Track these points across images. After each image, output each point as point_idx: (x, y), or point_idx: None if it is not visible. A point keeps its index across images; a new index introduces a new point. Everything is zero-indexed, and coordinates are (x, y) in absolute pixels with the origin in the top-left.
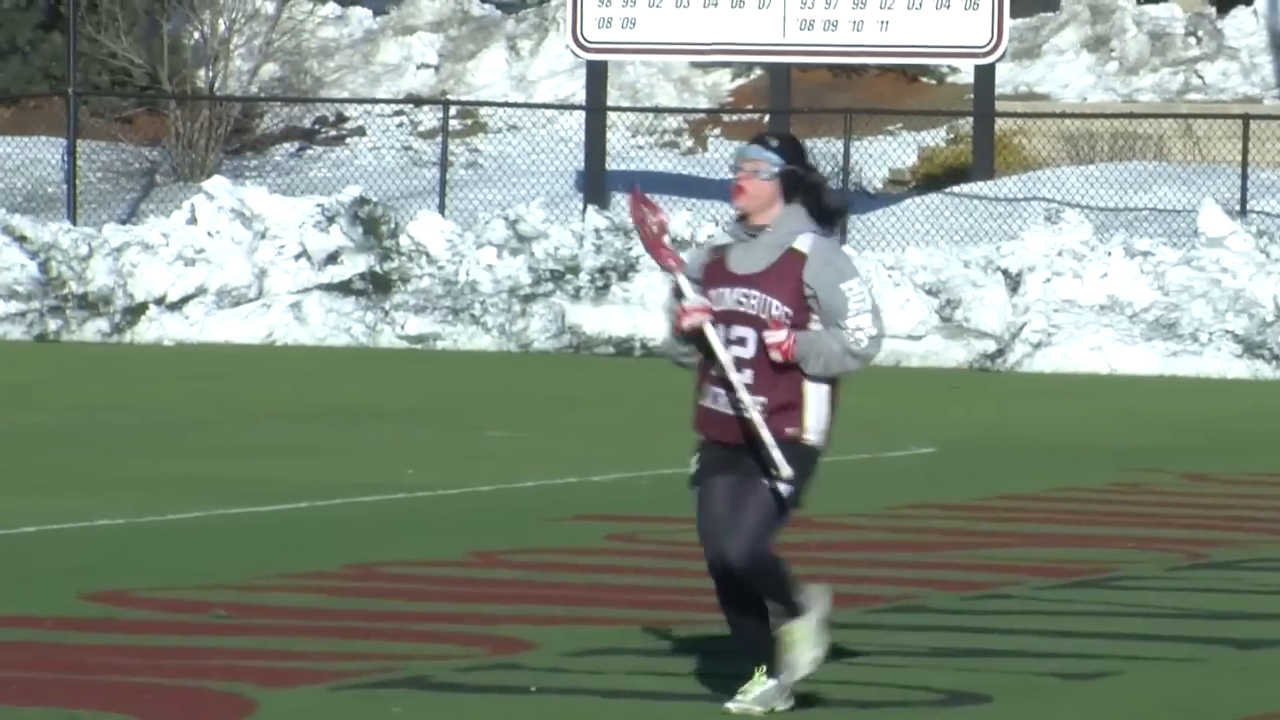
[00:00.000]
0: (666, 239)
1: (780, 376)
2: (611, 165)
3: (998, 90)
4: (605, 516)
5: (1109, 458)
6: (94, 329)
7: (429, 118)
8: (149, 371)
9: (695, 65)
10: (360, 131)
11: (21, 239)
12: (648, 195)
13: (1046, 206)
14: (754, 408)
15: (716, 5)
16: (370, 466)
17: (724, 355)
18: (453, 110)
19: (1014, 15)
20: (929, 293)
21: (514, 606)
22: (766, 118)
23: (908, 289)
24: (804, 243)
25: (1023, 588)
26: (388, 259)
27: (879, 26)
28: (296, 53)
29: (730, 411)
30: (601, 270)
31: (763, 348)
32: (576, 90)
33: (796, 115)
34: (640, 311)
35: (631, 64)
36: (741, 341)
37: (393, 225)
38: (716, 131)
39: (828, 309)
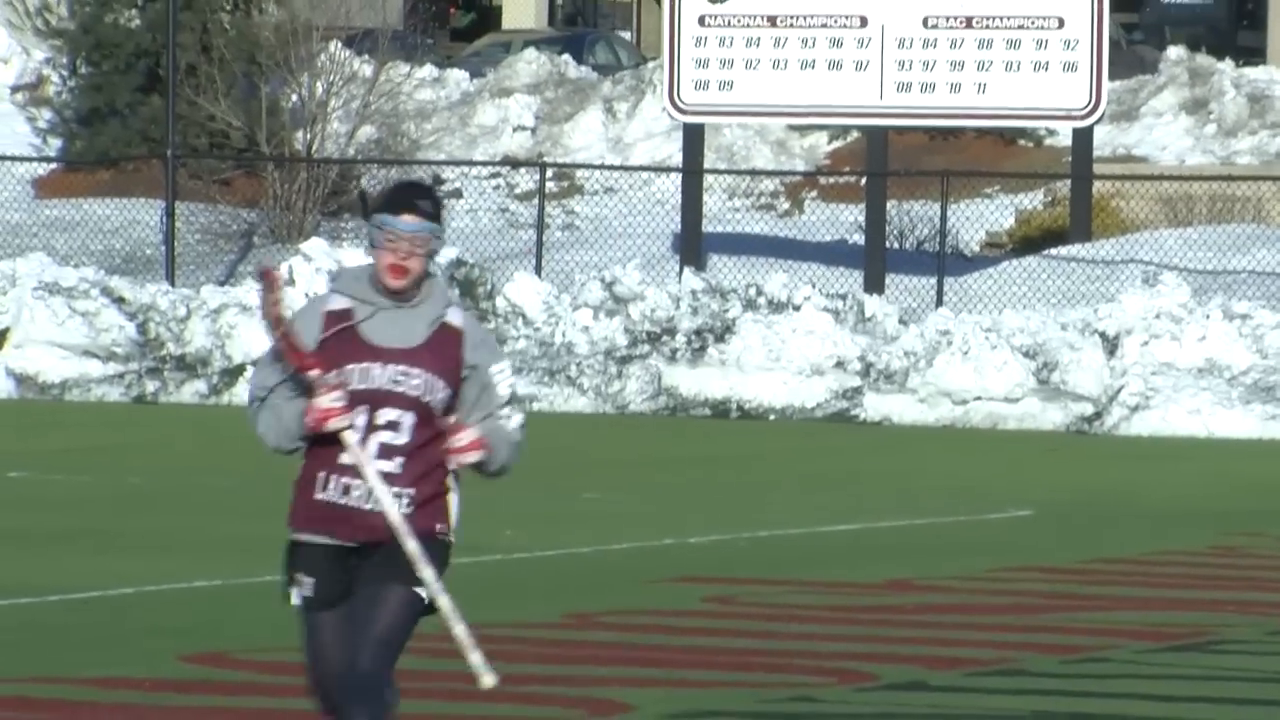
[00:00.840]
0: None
1: (432, 468)
2: (708, 227)
3: (1095, 153)
4: (702, 579)
5: (1208, 521)
6: (191, 390)
7: (525, 180)
8: (246, 433)
9: (792, 128)
10: (457, 194)
11: (120, 300)
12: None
13: (1144, 269)
14: (395, 503)
15: (814, 67)
16: (468, 527)
17: (361, 455)
18: (549, 172)
19: (1112, 78)
20: (1026, 355)
21: (611, 669)
22: (864, 180)
23: (1005, 351)
24: (456, 316)
25: (1122, 651)
26: (484, 320)
27: (976, 89)
28: (393, 115)
29: (366, 506)
30: (698, 332)
31: (421, 436)
32: (673, 152)
33: (893, 178)
34: (736, 373)
35: (728, 126)
36: (393, 427)
37: (489, 287)
38: (813, 194)
39: (485, 393)
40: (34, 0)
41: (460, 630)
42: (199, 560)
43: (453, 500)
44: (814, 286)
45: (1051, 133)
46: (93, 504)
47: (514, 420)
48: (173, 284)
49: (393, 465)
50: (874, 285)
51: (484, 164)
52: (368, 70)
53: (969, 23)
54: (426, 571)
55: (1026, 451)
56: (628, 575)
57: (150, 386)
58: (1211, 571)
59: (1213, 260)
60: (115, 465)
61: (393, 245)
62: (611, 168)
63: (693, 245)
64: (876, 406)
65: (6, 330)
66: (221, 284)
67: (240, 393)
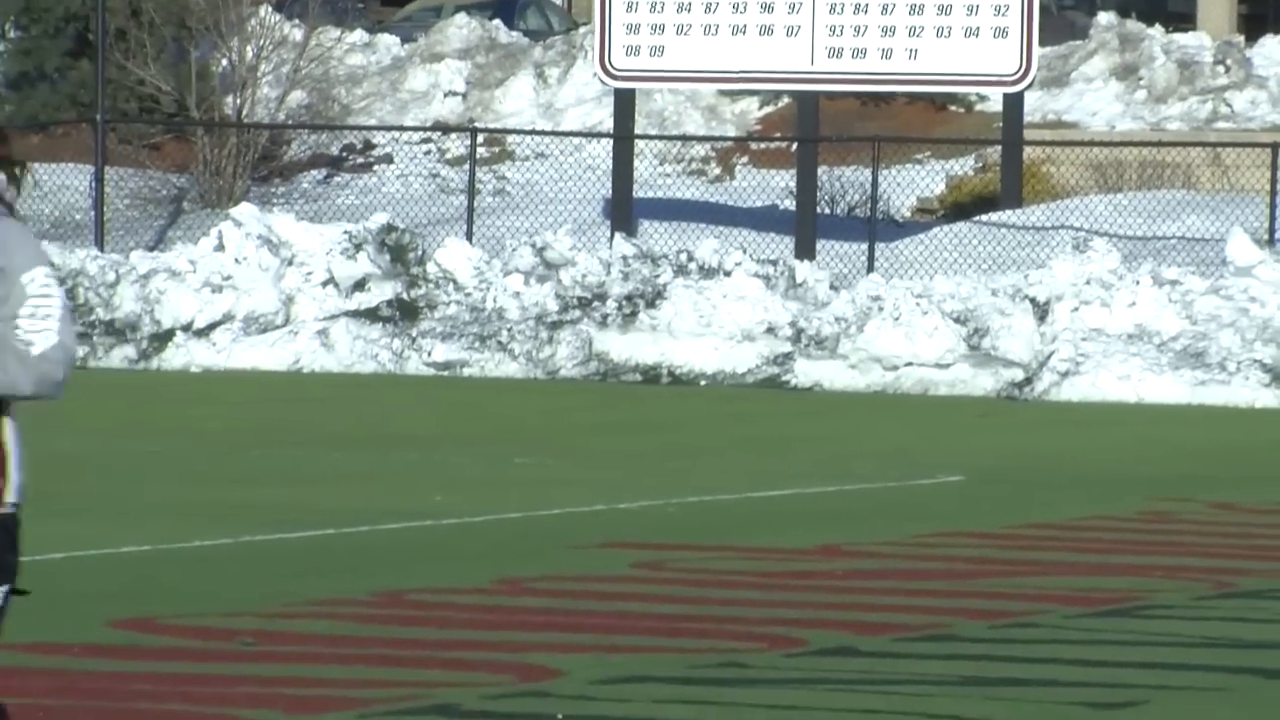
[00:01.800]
0: None
1: None
2: (639, 193)
3: (1026, 118)
4: (632, 544)
5: (1136, 487)
6: (121, 356)
7: (456, 145)
8: (176, 398)
9: (723, 93)
10: (388, 159)
11: (49, 266)
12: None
13: (1074, 235)
14: None
15: (744, 33)
16: (397, 493)
17: None
18: (480, 138)
19: (1043, 44)
20: (956, 321)
21: (541, 634)
22: (795, 146)
23: (935, 317)
24: None
25: (1051, 616)
26: (415, 286)
27: (907, 54)
28: (324, 80)
29: None
30: (629, 298)
31: None
32: (604, 118)
33: (824, 144)
34: (668, 339)
35: (659, 92)
36: None
37: (420, 252)
38: (744, 159)
39: (8, 302)
40: None
41: None
42: (128, 525)
43: (11, 456)
44: (745, 252)
45: (982, 98)
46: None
47: (38, 335)
48: (102, 249)
49: None
50: (805, 251)
51: (415, 129)
52: (298, 35)
53: None
54: None
55: (957, 417)
56: (557, 540)
57: (79, 351)
58: (1140, 537)
59: (1143, 226)
60: (43, 429)
61: None
62: (542, 133)
63: (624, 211)
64: (807, 372)
65: None
66: (151, 249)
67: (169, 357)
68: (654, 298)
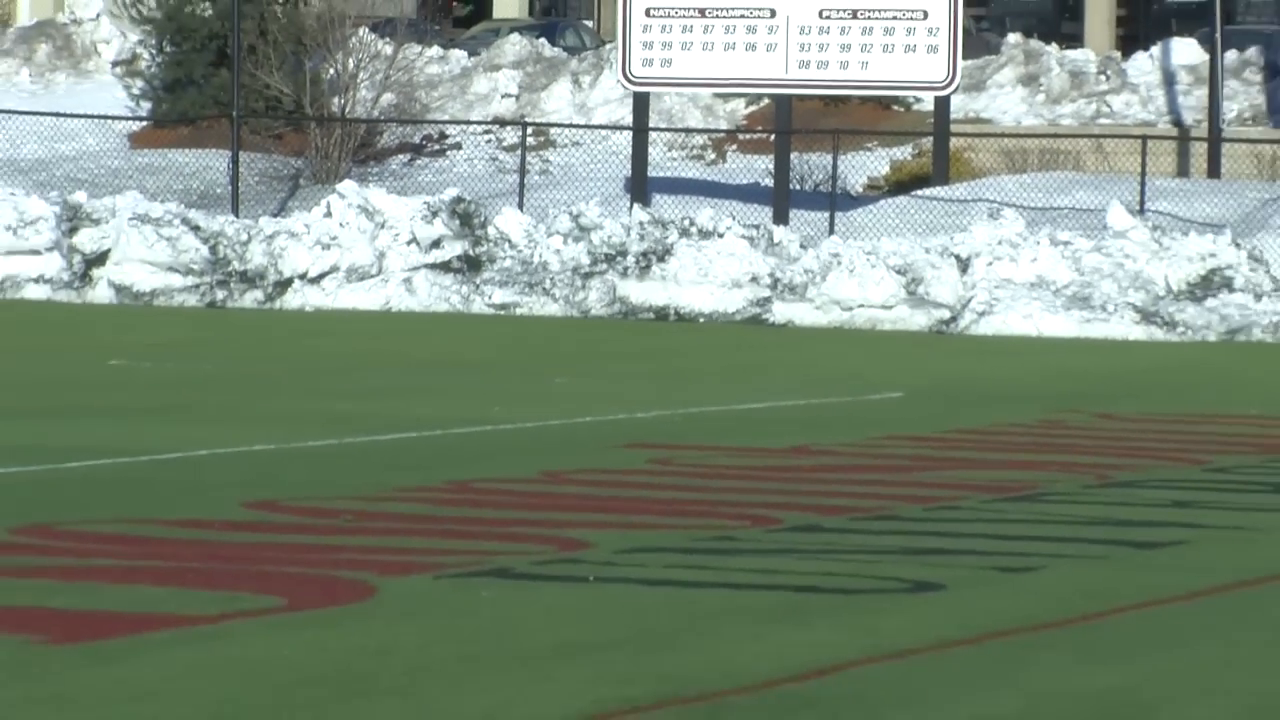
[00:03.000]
0: None
1: None
2: (652, 173)
3: (952, 115)
4: (648, 445)
5: (1037, 401)
6: (251, 298)
7: (511, 135)
8: (294, 331)
9: (717, 95)
10: (458, 146)
11: (196, 228)
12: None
13: (989, 206)
14: None
15: (734, 49)
16: (465, 405)
17: None
18: (529, 130)
19: (965, 58)
20: (898, 272)
21: (576, 514)
22: (773, 137)
23: (881, 269)
24: None
25: (971, 501)
26: (478, 245)
27: (860, 65)
28: (408, 85)
29: None
30: (644, 254)
31: None
32: (625, 115)
33: (796, 135)
34: (674, 286)
35: (668, 94)
36: None
37: (482, 219)
38: (734, 147)
39: None
40: None
41: None
42: (257, 429)
43: None
44: (734, 219)
45: (918, 100)
46: (175, 385)
47: None
48: (237, 215)
49: None
50: (780, 218)
51: (478, 123)
52: (388, 50)
53: (855, 14)
54: None
55: (898, 347)
56: (590, 442)
57: (219, 295)
58: (1040, 440)
59: (1042, 199)
60: (192, 355)
61: None
62: (577, 126)
63: (640, 187)
64: (783, 312)
65: (108, 251)
66: (275, 216)
67: (289, 300)
68: (664, 254)
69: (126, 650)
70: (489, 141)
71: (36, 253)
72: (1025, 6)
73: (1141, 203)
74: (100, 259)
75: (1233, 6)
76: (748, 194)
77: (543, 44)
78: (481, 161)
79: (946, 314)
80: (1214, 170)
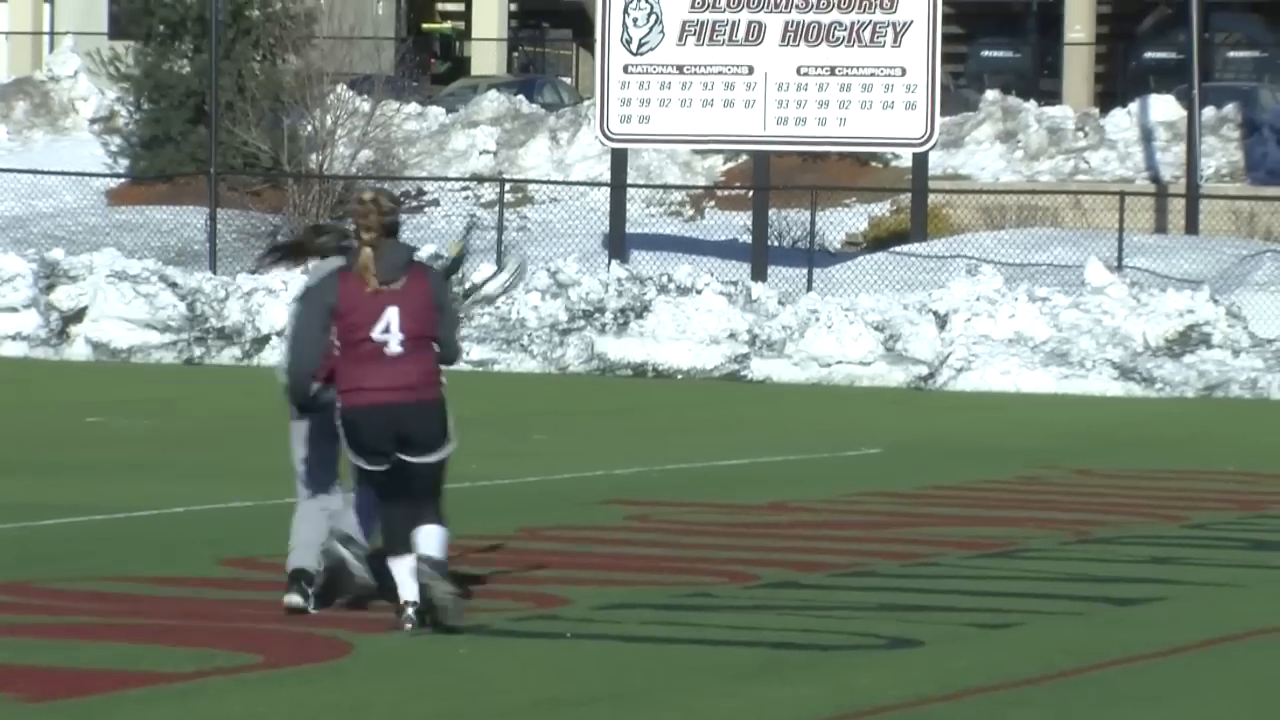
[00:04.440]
0: None
1: None
2: (630, 229)
3: (930, 172)
4: (626, 501)
5: (1015, 457)
6: (229, 355)
7: (489, 192)
8: (272, 388)
9: (695, 152)
10: (435, 203)
11: (174, 285)
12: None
13: (967, 262)
14: None
15: (712, 105)
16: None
17: None
18: (507, 186)
19: (943, 114)
20: (876, 329)
21: (554, 571)
22: (751, 193)
23: (860, 325)
24: None
25: (949, 558)
26: (454, 301)
27: (838, 122)
28: (386, 141)
29: None
30: (622, 310)
31: None
32: (603, 171)
33: (774, 191)
34: (652, 342)
35: (646, 151)
36: None
37: (460, 275)
38: (712, 203)
39: None
40: (107, 52)
41: None
42: (234, 485)
43: None
44: (712, 275)
45: (896, 156)
46: (152, 442)
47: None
48: (215, 272)
49: None
50: (759, 274)
51: (456, 179)
52: (366, 107)
53: (832, 71)
54: None
55: (876, 403)
56: (567, 498)
57: (197, 351)
58: (1018, 496)
59: (1020, 255)
60: (170, 412)
61: None
62: (555, 183)
63: (618, 243)
64: (761, 368)
65: (86, 308)
66: (252, 273)
67: (266, 356)
68: (642, 310)
69: (104, 708)
70: (467, 198)
71: (14, 310)
72: (1003, 63)
73: (1120, 259)
74: (78, 316)
75: (1210, 63)
76: (726, 250)
77: (521, 100)
78: (459, 218)
79: (925, 370)
80: (1192, 226)
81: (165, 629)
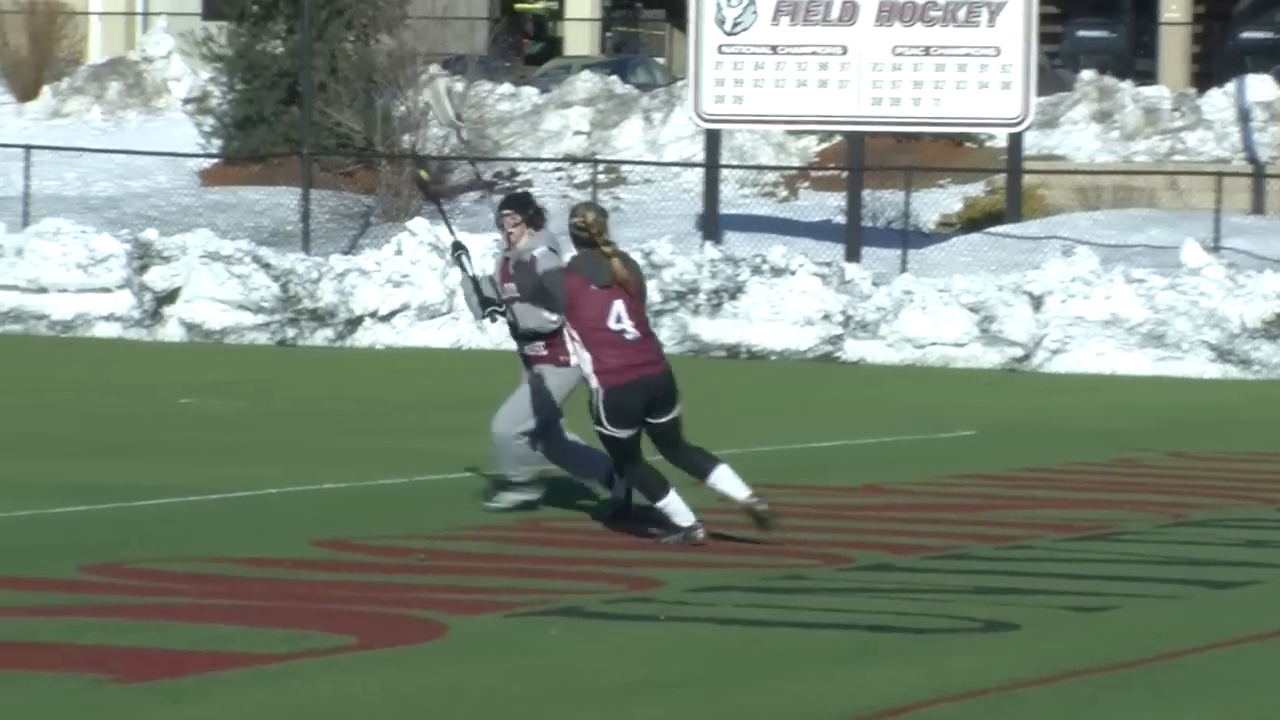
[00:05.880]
0: None
1: None
2: (724, 210)
3: (1025, 152)
4: None
5: (1111, 440)
6: (322, 336)
7: (582, 173)
8: (364, 369)
9: (789, 132)
10: (528, 184)
11: (267, 266)
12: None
13: (1062, 244)
14: None
15: (806, 85)
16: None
17: None
18: (600, 167)
19: (1038, 94)
20: (971, 310)
21: (648, 553)
22: (845, 174)
23: (954, 307)
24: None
25: (1044, 540)
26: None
27: (933, 102)
28: (480, 122)
29: None
30: (716, 291)
31: None
32: (697, 151)
33: (868, 172)
34: (746, 324)
35: (740, 131)
36: None
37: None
38: (806, 184)
39: None
40: (200, 32)
41: None
42: (328, 466)
43: None
44: (806, 256)
45: (991, 137)
46: (245, 424)
47: None
48: (307, 253)
49: None
50: (853, 255)
51: (549, 160)
52: (460, 87)
53: (927, 51)
54: None
55: (970, 385)
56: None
57: (290, 333)
58: (1113, 479)
59: (1116, 236)
60: (262, 394)
61: None
62: (649, 163)
63: (712, 224)
64: (854, 350)
65: (179, 289)
66: (345, 253)
67: (359, 338)
68: (735, 291)
69: (197, 689)
70: (560, 179)
71: (107, 290)
72: (1099, 43)
73: (1216, 240)
74: (171, 297)
75: None
76: (820, 231)
77: (614, 81)
78: (552, 199)
79: (1019, 352)
80: None
81: (258, 610)
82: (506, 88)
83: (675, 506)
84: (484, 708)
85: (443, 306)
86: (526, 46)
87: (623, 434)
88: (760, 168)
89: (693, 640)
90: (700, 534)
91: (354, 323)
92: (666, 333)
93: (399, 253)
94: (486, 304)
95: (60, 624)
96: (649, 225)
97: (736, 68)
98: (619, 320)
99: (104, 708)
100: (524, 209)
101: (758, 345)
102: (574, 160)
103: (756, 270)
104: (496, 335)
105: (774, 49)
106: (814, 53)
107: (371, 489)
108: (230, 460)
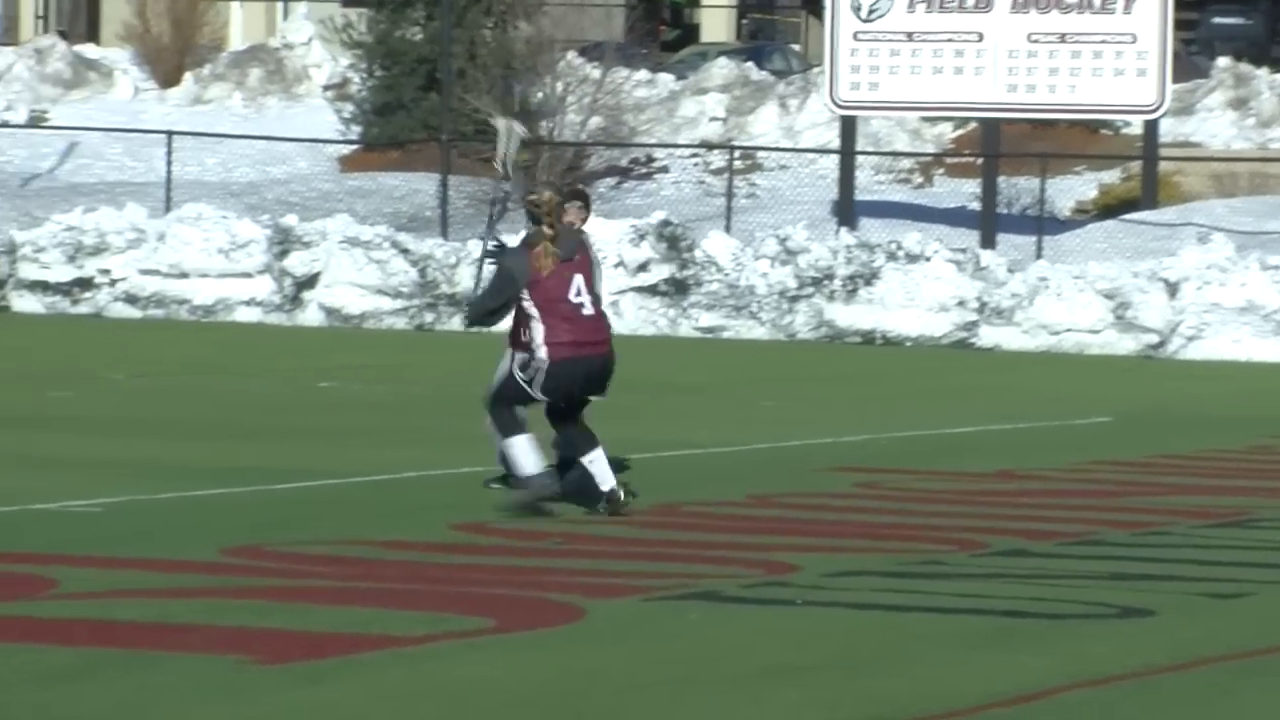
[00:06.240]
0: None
1: None
2: (859, 196)
3: (1160, 139)
4: (854, 469)
5: (1246, 426)
6: (460, 321)
7: (718, 159)
8: (501, 353)
9: (924, 119)
10: (665, 169)
11: (405, 251)
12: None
13: (1198, 230)
14: None
15: (941, 72)
16: (672, 428)
17: None
18: (736, 153)
19: (1174, 81)
20: (1106, 297)
21: (783, 538)
22: (980, 160)
23: (1089, 294)
24: None
25: (1179, 527)
26: (685, 268)
27: (1069, 89)
28: (616, 108)
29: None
30: (851, 277)
31: None
32: (832, 138)
33: (1004, 158)
34: (881, 310)
35: (875, 118)
36: None
37: (689, 242)
38: (941, 171)
39: None
40: (340, 20)
41: None
42: (464, 451)
43: None
44: (941, 242)
45: (1126, 124)
46: (384, 408)
47: None
48: (445, 238)
49: None
50: (988, 242)
51: (685, 146)
52: (596, 74)
53: (1063, 38)
54: None
55: (1106, 372)
56: (796, 465)
57: (428, 318)
58: (1249, 465)
59: (1252, 224)
60: (401, 378)
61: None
62: (784, 150)
63: (847, 210)
64: (989, 336)
65: (319, 274)
66: (483, 238)
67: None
68: (870, 277)
69: (337, 671)
70: (696, 165)
71: (248, 275)
72: (1235, 30)
73: None
74: (310, 282)
75: None
76: (955, 217)
77: (750, 67)
78: (689, 185)
79: (1155, 339)
80: None
81: (397, 593)
82: (643, 74)
83: (520, 450)
84: (621, 691)
85: None
86: (663, 33)
87: (541, 400)
88: (895, 154)
89: (829, 625)
90: (552, 487)
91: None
92: (801, 319)
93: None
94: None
95: (201, 605)
96: (784, 211)
97: (872, 54)
98: (579, 294)
99: (245, 689)
100: (587, 201)
101: (892, 331)
102: (710, 146)
103: (891, 256)
104: (632, 320)
105: (910, 36)
106: (950, 39)
107: None
108: (369, 444)
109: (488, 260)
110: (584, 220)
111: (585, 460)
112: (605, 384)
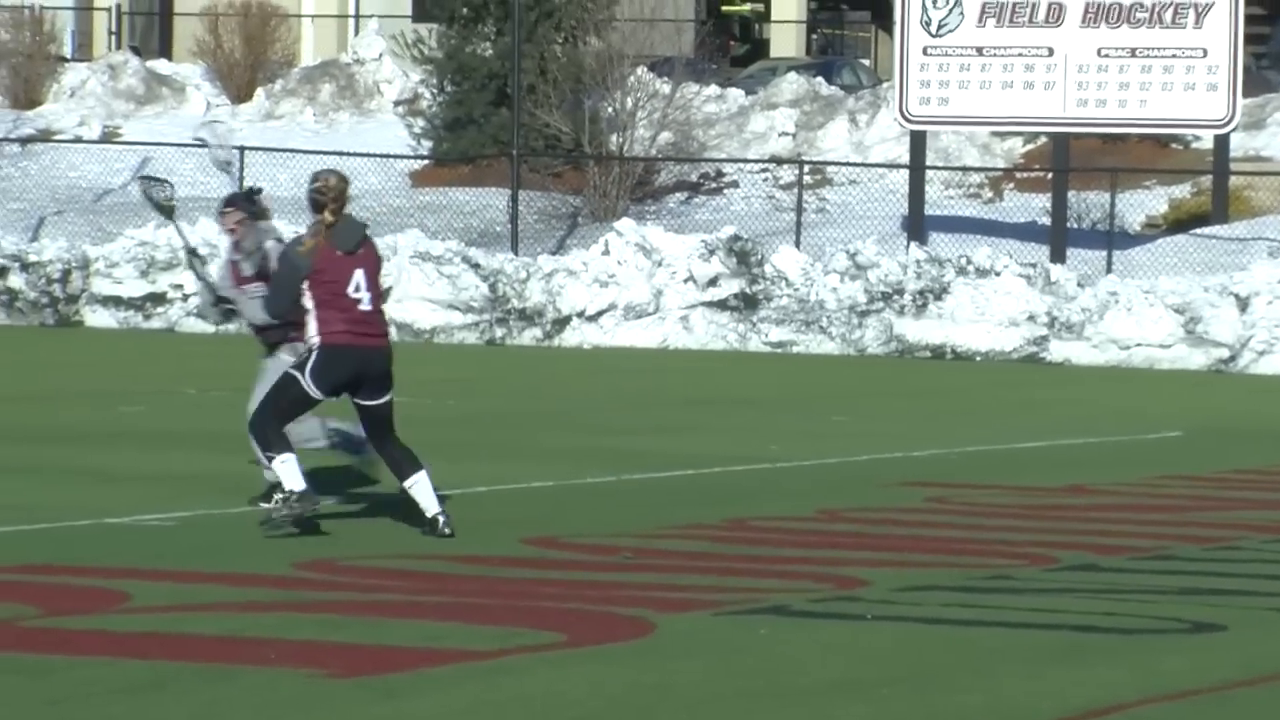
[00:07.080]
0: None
1: None
2: (929, 211)
3: (1231, 154)
4: (925, 483)
5: None
6: (530, 336)
7: (787, 174)
8: (572, 368)
9: (994, 134)
10: (735, 184)
11: (476, 266)
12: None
13: (1269, 245)
14: None
15: (1011, 87)
16: (742, 442)
17: None
18: (806, 168)
19: (1245, 96)
20: (1176, 311)
21: (853, 552)
22: (1050, 175)
23: (1160, 308)
24: None
25: (1251, 542)
26: (755, 283)
27: (1139, 104)
28: (686, 123)
29: None
30: (921, 292)
31: None
32: (902, 153)
33: (1073, 172)
34: (951, 324)
35: (945, 133)
36: None
37: (759, 256)
38: (1010, 185)
39: None
40: (411, 35)
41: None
42: (536, 465)
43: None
44: (1011, 257)
45: (1197, 138)
46: (454, 422)
47: None
48: (516, 253)
49: None
50: (1058, 256)
51: (755, 161)
52: (666, 89)
53: (1133, 53)
54: None
55: (1176, 386)
56: (866, 480)
57: (499, 332)
58: None
59: None
60: (471, 392)
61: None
62: (854, 164)
63: (917, 225)
64: (1059, 351)
65: (389, 289)
66: (553, 253)
67: (567, 337)
68: (940, 292)
69: (410, 685)
70: (766, 179)
71: None
72: None
73: None
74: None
75: None
76: (1024, 232)
77: (820, 82)
78: (758, 199)
79: (1225, 353)
80: None
81: (469, 607)
82: (713, 89)
83: (289, 470)
84: (691, 705)
85: (649, 306)
86: (733, 48)
87: (315, 394)
88: (965, 169)
89: (899, 640)
90: (311, 504)
91: (561, 322)
92: (871, 333)
93: (606, 253)
94: (219, 302)
95: (273, 619)
96: (854, 226)
97: (942, 69)
98: (358, 289)
99: (318, 703)
100: (248, 205)
101: (962, 346)
102: (780, 161)
103: (961, 271)
104: (702, 335)
105: (979, 50)
106: (1020, 54)
107: (579, 487)
108: (440, 458)
109: (195, 261)
110: (241, 225)
111: (406, 484)
112: (384, 383)
